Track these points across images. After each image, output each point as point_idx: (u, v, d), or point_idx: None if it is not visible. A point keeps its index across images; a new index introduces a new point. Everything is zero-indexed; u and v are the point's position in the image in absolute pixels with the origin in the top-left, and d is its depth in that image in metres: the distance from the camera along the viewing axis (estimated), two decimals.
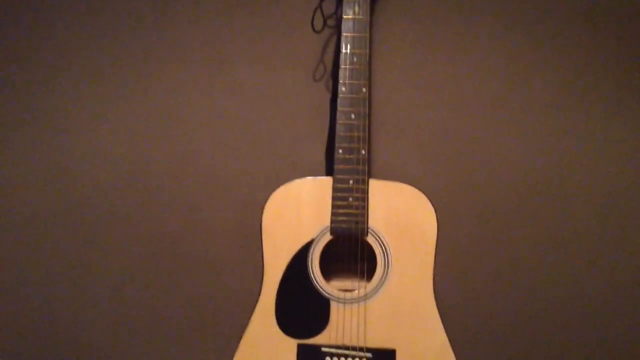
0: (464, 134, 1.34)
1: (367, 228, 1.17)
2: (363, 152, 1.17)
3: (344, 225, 1.17)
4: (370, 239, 1.18)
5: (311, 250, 1.18)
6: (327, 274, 1.22)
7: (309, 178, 1.19)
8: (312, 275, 1.18)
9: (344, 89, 1.16)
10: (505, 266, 1.38)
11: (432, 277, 1.18)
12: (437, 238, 1.17)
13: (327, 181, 1.18)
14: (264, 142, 1.37)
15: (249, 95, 1.36)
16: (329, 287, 1.19)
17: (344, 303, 1.18)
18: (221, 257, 1.40)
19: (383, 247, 1.18)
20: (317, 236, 1.18)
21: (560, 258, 1.36)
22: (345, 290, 1.19)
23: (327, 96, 1.31)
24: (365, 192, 1.17)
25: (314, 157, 1.34)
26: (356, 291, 1.19)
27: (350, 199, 1.17)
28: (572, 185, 1.34)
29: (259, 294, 1.19)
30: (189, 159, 1.38)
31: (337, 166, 1.17)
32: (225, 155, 1.37)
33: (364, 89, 1.16)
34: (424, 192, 1.17)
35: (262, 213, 1.19)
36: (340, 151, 1.17)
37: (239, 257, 1.39)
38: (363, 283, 1.20)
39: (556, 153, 1.33)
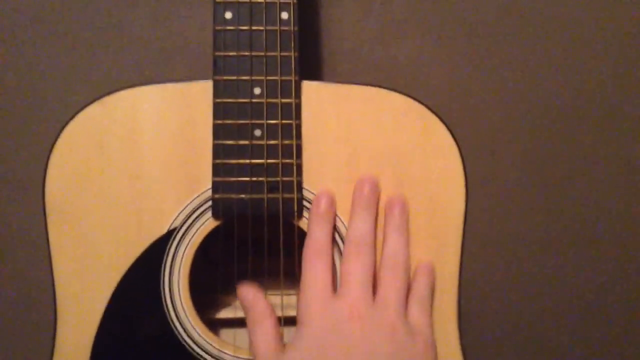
0: None
1: (302, 199, 0.50)
2: (284, 15, 0.48)
3: (243, 195, 0.49)
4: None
5: (170, 256, 0.50)
6: (210, 305, 0.55)
7: (156, 86, 0.49)
8: (171, 312, 0.51)
9: None
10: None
11: (456, 305, 0.51)
12: (466, 216, 0.50)
13: (200, 90, 0.49)
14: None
15: None
16: (212, 339, 0.51)
17: None
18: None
19: (341, 241, 0.51)
20: (184, 221, 0.50)
21: None
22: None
23: None
24: (293, 112, 0.49)
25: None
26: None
27: (258, 132, 0.49)
28: None
29: (51, 357, 0.51)
30: None
31: (220, 55, 0.48)
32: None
33: None
34: (433, 110, 0.50)
35: (45, 171, 0.49)
36: (229, 15, 0.48)
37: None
38: (294, 325, 0.53)
39: None
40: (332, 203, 0.49)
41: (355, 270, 0.47)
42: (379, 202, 0.49)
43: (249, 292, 0.50)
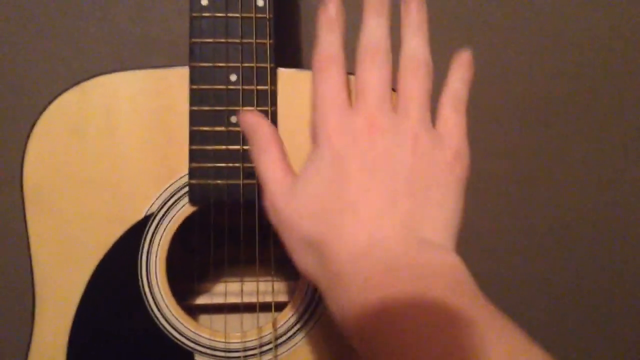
0: None
1: None
2: (260, 2, 0.49)
3: (219, 181, 0.50)
4: None
5: (147, 241, 0.50)
6: (187, 291, 0.56)
7: (134, 72, 0.50)
8: (149, 297, 0.51)
9: None
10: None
11: None
12: None
13: (177, 76, 0.49)
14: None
15: None
16: (189, 323, 0.52)
17: (227, 358, 0.52)
18: None
19: None
20: (160, 207, 0.50)
21: None
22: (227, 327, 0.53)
23: None
24: (269, 99, 0.49)
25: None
26: (254, 330, 0.52)
27: (234, 119, 0.49)
28: None
29: (30, 340, 0.52)
30: None
31: (196, 41, 0.49)
32: None
33: None
34: None
35: (23, 155, 0.50)
36: (205, 2, 0.48)
37: None
38: (270, 311, 0.53)
39: None
40: (342, 9, 0.43)
41: (371, 80, 0.40)
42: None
43: (250, 116, 0.43)
